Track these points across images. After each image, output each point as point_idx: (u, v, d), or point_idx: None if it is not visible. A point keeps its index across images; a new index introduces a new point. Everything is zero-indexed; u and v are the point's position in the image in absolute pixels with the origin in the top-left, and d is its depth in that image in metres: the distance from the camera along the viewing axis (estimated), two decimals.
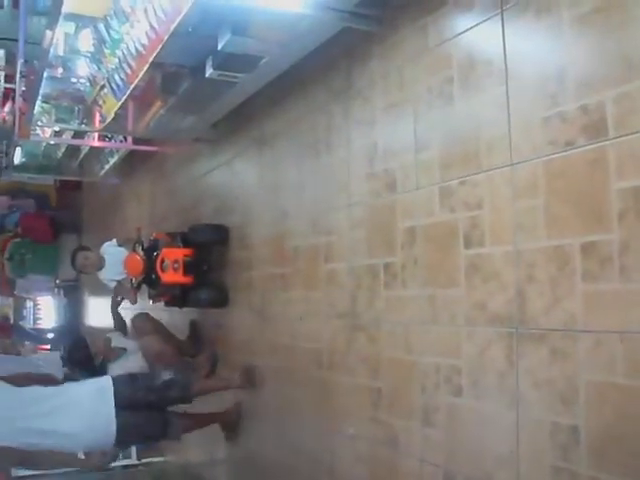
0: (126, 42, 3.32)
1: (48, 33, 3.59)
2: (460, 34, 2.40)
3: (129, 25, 3.24)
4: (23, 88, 4.87)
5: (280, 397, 3.71)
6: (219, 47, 3.01)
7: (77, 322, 10.20)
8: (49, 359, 4.84)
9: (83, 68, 4.22)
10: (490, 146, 2.26)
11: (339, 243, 3.14)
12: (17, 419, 3.24)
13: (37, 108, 4.77)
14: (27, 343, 8.33)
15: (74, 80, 4.46)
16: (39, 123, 5.36)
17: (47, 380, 3.96)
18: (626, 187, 1.79)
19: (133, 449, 5.21)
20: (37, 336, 9.48)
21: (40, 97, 4.55)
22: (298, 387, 3.50)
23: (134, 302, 4.89)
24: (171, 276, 4.30)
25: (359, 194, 2.99)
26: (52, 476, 4.31)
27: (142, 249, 4.55)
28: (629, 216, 1.78)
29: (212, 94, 3.76)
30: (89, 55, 3.98)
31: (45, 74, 4.17)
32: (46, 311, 11.39)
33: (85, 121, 4.98)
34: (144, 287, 4.63)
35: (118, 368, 4.53)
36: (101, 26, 3.56)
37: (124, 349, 4.70)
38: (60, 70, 4.31)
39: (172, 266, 4.29)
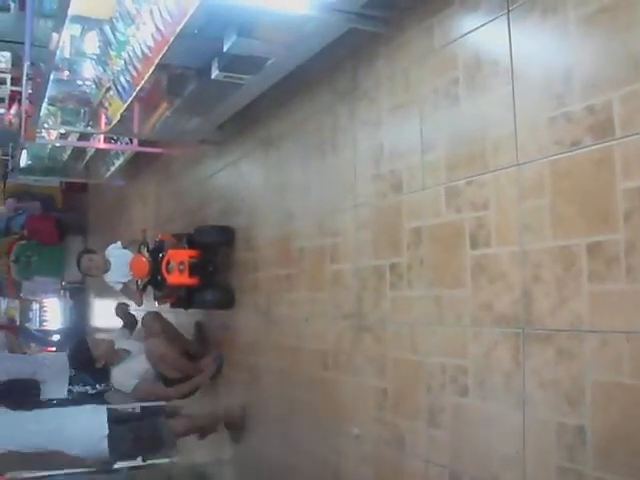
0: (132, 44, 3.33)
1: (54, 36, 3.61)
2: (466, 35, 2.40)
3: (135, 27, 3.25)
4: (29, 90, 4.89)
5: (286, 398, 3.71)
6: (225, 49, 3.02)
7: (83, 324, 10.21)
8: (55, 359, 4.84)
9: (89, 70, 4.25)
10: (496, 146, 2.25)
11: (345, 244, 3.14)
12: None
13: (43, 110, 4.79)
14: (33, 345, 8.38)
15: (80, 82, 4.49)
16: (45, 125, 5.36)
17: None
18: (632, 187, 1.79)
19: None
20: (43, 338, 9.51)
21: (46, 99, 4.56)
22: (304, 388, 3.51)
23: (140, 304, 4.89)
24: (177, 277, 4.30)
25: (365, 195, 2.99)
26: (54, 477, 4.33)
27: (148, 251, 4.56)
28: (635, 216, 1.78)
29: (218, 96, 3.76)
30: (95, 57, 4.00)
31: (51, 76, 4.18)
32: (52, 313, 11.38)
33: (91, 123, 4.97)
34: (150, 289, 4.64)
35: (121, 372, 4.53)
36: (107, 28, 3.58)
37: (128, 351, 4.69)
38: (66, 72, 4.34)
39: (178, 267, 4.29)
